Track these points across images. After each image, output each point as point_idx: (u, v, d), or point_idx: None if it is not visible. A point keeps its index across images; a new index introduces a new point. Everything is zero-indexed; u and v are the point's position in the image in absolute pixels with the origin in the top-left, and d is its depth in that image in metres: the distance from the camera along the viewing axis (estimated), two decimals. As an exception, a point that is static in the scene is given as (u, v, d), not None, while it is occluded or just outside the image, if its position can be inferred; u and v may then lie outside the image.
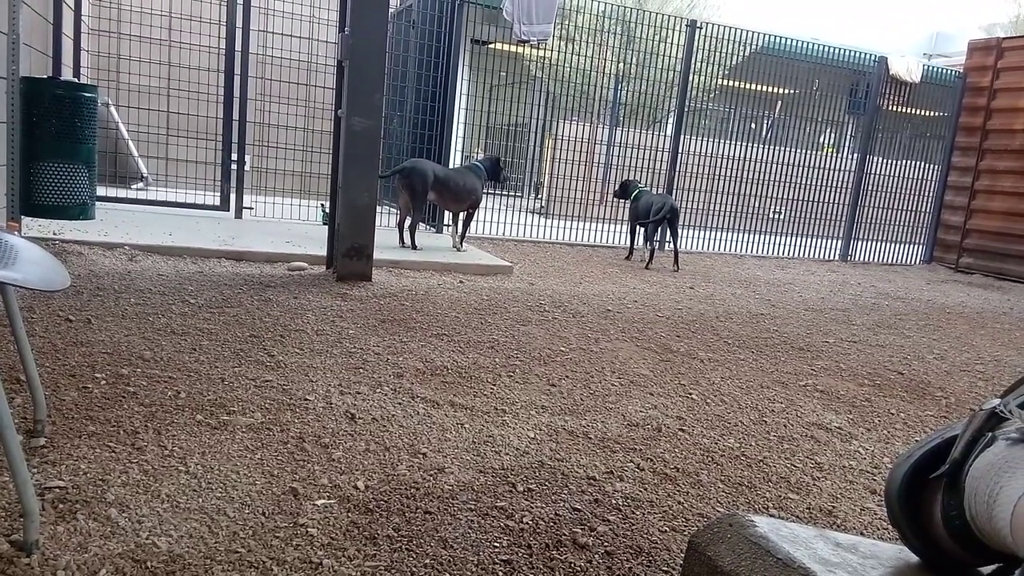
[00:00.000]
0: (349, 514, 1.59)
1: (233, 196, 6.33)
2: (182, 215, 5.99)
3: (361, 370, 2.59)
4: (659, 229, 6.46)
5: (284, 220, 6.37)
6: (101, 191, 5.68)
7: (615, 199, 6.82)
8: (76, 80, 6.02)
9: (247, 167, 6.64)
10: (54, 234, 4.40)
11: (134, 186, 7.28)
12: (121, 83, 7.17)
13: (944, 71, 9.02)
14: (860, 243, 8.73)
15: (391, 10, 5.48)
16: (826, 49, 8.26)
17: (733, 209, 8.46)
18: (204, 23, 7.13)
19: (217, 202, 6.38)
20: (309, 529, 1.51)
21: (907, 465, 0.81)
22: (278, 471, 1.75)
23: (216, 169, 6.56)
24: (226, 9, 6.17)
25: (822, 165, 8.70)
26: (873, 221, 8.82)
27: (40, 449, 1.72)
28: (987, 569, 0.79)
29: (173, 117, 7.14)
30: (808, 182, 8.63)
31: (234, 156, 6.34)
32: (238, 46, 6.14)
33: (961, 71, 8.68)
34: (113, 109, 7.30)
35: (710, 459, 2.13)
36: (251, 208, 6.47)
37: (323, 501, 1.63)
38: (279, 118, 7.58)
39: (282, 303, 3.48)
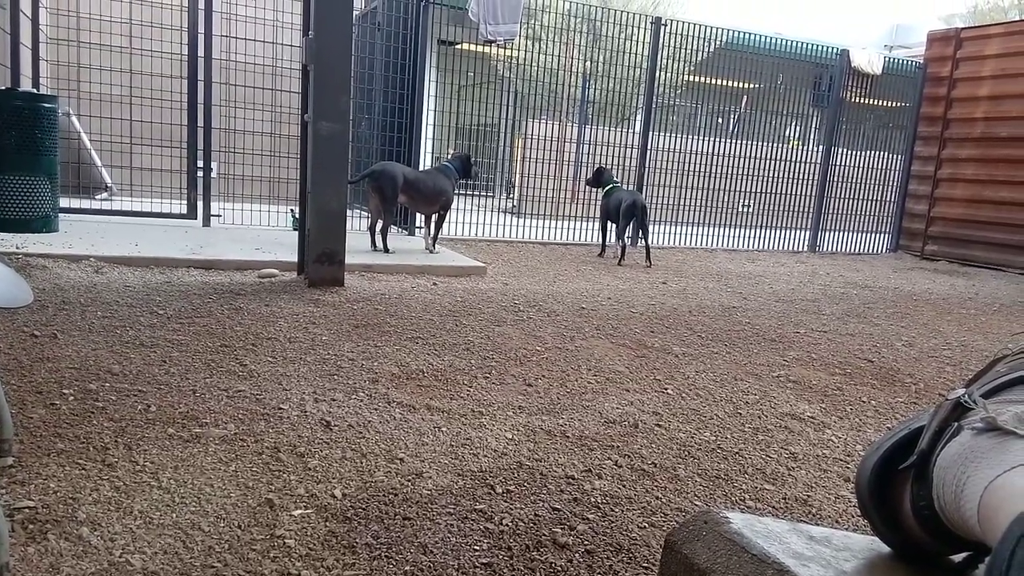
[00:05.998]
0: (327, 523, 1.57)
1: (200, 204, 6.24)
2: (148, 225, 5.90)
3: (335, 376, 2.57)
4: (630, 225, 6.51)
5: (253, 227, 6.30)
6: (64, 203, 5.58)
7: (587, 187, 6.90)
8: (35, 91, 5.90)
9: (214, 174, 6.56)
10: (16, 248, 4.31)
11: (98, 197, 7.16)
12: (82, 92, 7.04)
13: (905, 62, 9.18)
14: (828, 234, 8.87)
15: (355, 12, 5.45)
16: (789, 43, 8.37)
17: (703, 204, 8.54)
18: (165, 29, 7.03)
19: (184, 210, 6.30)
20: (286, 540, 1.49)
21: (876, 457, 0.82)
22: (253, 482, 1.73)
23: (182, 177, 6.47)
24: (187, 15, 6.08)
25: (788, 158, 8.82)
26: (840, 212, 8.96)
27: (7, 469, 1.68)
28: (957, 557, 0.81)
29: (136, 125, 7.03)
30: (775, 175, 8.74)
31: (200, 163, 6.25)
32: (201, 52, 6.06)
33: (921, 62, 8.84)
34: (75, 119, 7.17)
35: (687, 453, 2.15)
36: (219, 216, 6.39)
37: (300, 511, 1.62)
38: (245, 124, 7.49)
39: (253, 311, 3.44)
